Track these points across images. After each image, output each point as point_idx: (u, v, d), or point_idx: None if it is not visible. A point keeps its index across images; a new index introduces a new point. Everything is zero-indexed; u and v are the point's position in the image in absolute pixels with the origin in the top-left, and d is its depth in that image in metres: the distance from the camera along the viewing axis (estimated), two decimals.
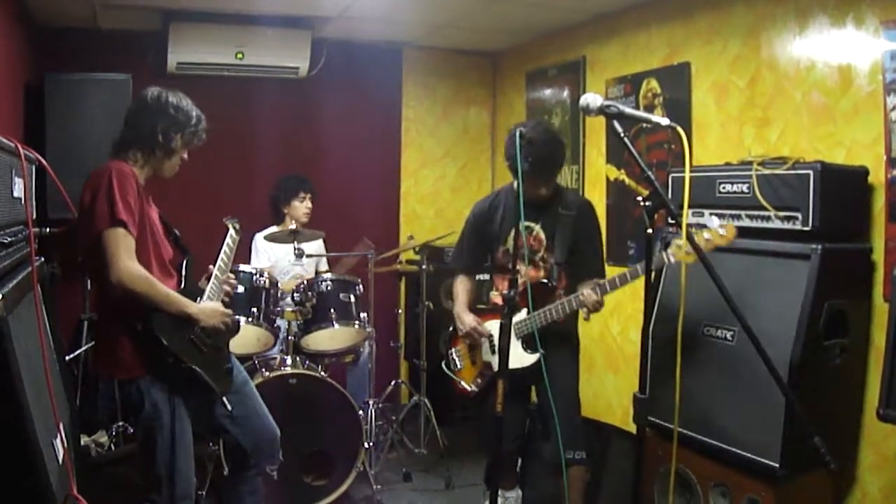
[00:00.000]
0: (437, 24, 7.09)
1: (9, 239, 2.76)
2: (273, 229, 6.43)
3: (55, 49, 6.59)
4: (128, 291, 3.61)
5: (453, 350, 5.07)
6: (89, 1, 6.09)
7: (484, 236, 5.01)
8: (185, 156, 4.11)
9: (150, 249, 3.85)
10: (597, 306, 4.45)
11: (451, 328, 5.12)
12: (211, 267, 4.26)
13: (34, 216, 3.05)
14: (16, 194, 2.90)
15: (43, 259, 3.34)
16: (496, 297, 5.00)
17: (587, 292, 4.43)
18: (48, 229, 3.47)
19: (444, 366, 5.10)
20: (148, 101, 4.03)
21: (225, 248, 4.42)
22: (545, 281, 4.68)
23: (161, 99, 4.02)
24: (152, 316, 3.71)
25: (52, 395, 2.97)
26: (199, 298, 4.04)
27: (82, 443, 5.49)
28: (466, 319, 4.93)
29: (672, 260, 4.02)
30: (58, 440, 3.00)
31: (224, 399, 4.05)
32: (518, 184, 3.94)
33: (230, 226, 4.52)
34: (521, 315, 4.63)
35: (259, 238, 6.58)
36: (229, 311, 4.13)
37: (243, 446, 4.38)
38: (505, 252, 4.87)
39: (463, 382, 4.97)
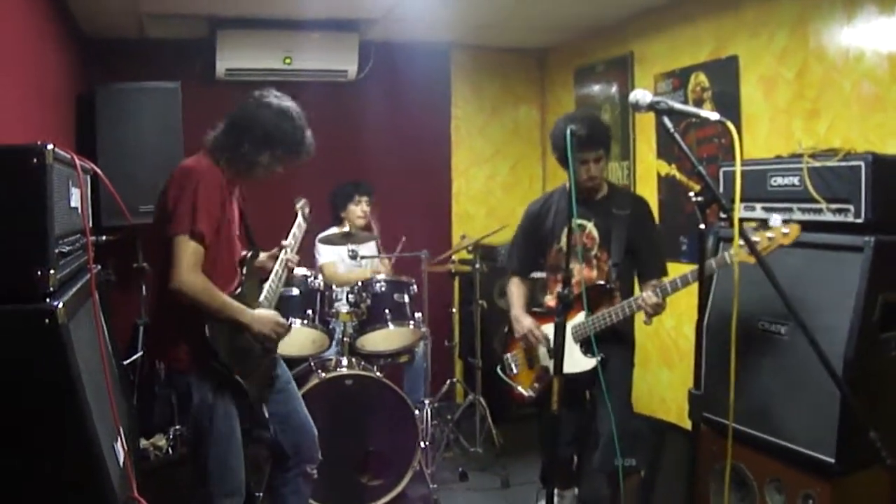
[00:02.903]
0: (482, 23, 7.09)
1: (67, 248, 2.81)
2: (334, 230, 6.47)
3: (105, 60, 6.70)
4: (187, 299, 3.68)
5: (509, 355, 5.04)
6: (136, 12, 6.18)
7: (537, 237, 5.00)
8: (280, 169, 4.11)
9: (221, 253, 3.92)
10: (657, 309, 4.40)
11: (506, 330, 5.11)
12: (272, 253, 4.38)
13: (90, 225, 3.10)
14: (73, 204, 2.94)
15: (100, 266, 3.39)
16: (550, 301, 4.97)
17: (647, 295, 4.39)
18: (103, 237, 3.52)
19: (499, 370, 5.07)
20: (249, 109, 4.04)
21: (294, 230, 4.49)
22: (602, 283, 4.66)
23: (260, 112, 4.01)
24: (206, 320, 3.77)
25: (112, 400, 3.02)
26: (262, 285, 4.11)
27: (141, 446, 5.56)
28: (525, 322, 4.89)
29: (735, 261, 3.98)
30: (118, 443, 3.05)
31: (263, 408, 4.11)
32: (570, 180, 3.93)
33: (299, 211, 4.57)
34: (579, 318, 4.61)
35: (319, 239, 6.63)
36: (283, 321, 4.17)
37: (282, 445, 4.43)
38: (558, 251, 4.86)
39: (520, 387, 4.93)
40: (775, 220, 3.94)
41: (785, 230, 3.86)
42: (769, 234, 3.88)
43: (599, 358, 4.47)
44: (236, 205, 4.12)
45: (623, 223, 4.68)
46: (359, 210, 6.75)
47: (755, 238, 3.85)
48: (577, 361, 4.54)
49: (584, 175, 4.59)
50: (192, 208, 3.68)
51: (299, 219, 4.60)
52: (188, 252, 3.67)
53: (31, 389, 2.50)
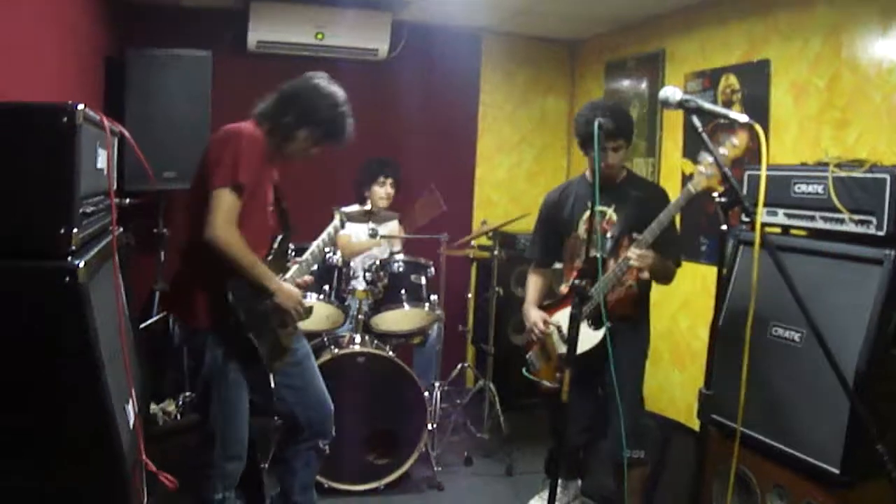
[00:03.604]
0: (515, 9, 7.07)
1: (91, 209, 2.82)
2: (355, 207, 6.48)
3: (137, 25, 6.70)
4: (218, 252, 3.77)
5: (531, 353, 5.05)
6: None
7: (555, 226, 5.01)
8: (314, 151, 4.25)
9: (252, 218, 3.98)
10: (643, 260, 4.43)
11: (524, 327, 5.13)
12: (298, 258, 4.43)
13: (115, 187, 3.12)
14: (99, 165, 2.96)
15: (121, 229, 3.42)
16: (564, 288, 4.99)
17: (630, 251, 4.43)
18: (127, 200, 3.55)
19: (524, 371, 5.09)
20: (298, 85, 4.19)
21: (325, 234, 4.55)
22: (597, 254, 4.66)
23: (308, 89, 4.17)
24: (231, 278, 3.86)
25: (126, 362, 3.04)
26: (280, 276, 4.16)
27: (150, 410, 5.60)
28: (531, 316, 4.95)
29: (699, 189, 4.08)
30: (130, 406, 3.07)
31: (271, 376, 4.15)
32: (595, 171, 3.93)
33: (337, 216, 4.62)
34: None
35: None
36: (305, 304, 4.25)
37: (298, 418, 4.49)
38: (575, 239, 4.87)
39: (545, 381, 4.96)
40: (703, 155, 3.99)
41: (735, 141, 3.97)
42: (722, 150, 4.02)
43: (608, 326, 4.47)
44: (272, 180, 4.22)
45: (640, 204, 4.68)
46: (382, 192, 6.69)
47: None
48: (587, 337, 4.55)
49: (603, 163, 4.58)
50: (234, 161, 3.81)
51: (332, 225, 4.64)
52: (226, 204, 3.78)
53: (48, 346, 2.52)
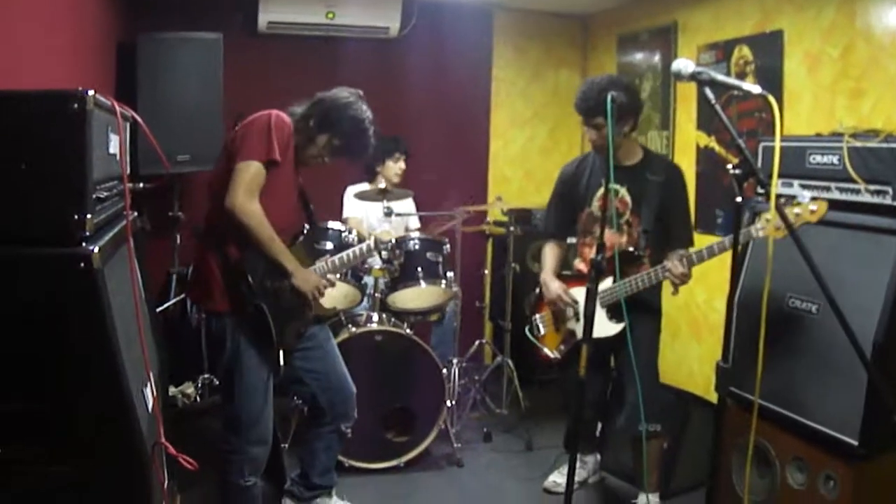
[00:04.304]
0: None
1: (105, 194, 2.83)
2: (364, 186, 6.48)
3: (147, 9, 6.65)
4: (236, 221, 3.80)
5: (537, 316, 5.08)
6: None
7: (571, 199, 5.00)
8: (327, 160, 4.30)
9: (275, 197, 4.01)
10: (683, 279, 4.41)
11: (536, 292, 5.13)
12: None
13: (128, 171, 3.13)
14: (111, 151, 2.97)
15: (136, 213, 3.42)
16: (580, 265, 4.99)
17: (673, 264, 4.39)
18: (140, 184, 3.56)
19: (527, 331, 5.11)
20: (334, 95, 4.27)
21: (354, 250, 4.65)
22: (631, 249, 4.65)
23: (340, 100, 4.24)
24: (248, 251, 3.90)
25: (143, 346, 3.05)
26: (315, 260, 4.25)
27: (170, 393, 5.63)
28: (553, 286, 4.93)
29: (760, 235, 3.98)
30: (148, 389, 3.08)
31: (282, 355, 4.15)
32: (609, 147, 3.91)
33: (370, 240, 4.74)
34: (607, 283, 4.61)
35: (350, 191, 6.65)
36: (323, 290, 4.29)
37: (319, 402, 4.53)
38: (589, 215, 4.86)
39: (546, 349, 4.99)
40: (803, 196, 3.91)
41: (812, 207, 3.83)
42: (797, 210, 3.86)
43: (626, 323, 4.47)
44: (295, 175, 4.26)
45: (656, 189, 4.67)
46: (397, 168, 6.70)
47: None
48: (602, 326, 4.56)
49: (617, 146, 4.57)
50: (261, 137, 3.89)
51: (366, 244, 4.71)
52: (250, 175, 3.82)
53: (64, 332, 2.53)
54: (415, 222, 6.91)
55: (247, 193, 3.79)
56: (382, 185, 5.97)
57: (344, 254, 4.58)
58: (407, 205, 6.72)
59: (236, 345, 3.99)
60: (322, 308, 4.36)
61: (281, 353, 4.12)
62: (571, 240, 5.16)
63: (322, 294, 4.25)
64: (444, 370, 5.82)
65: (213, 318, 4.08)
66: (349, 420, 4.69)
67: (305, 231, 4.33)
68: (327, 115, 4.16)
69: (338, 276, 4.64)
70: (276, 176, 3.95)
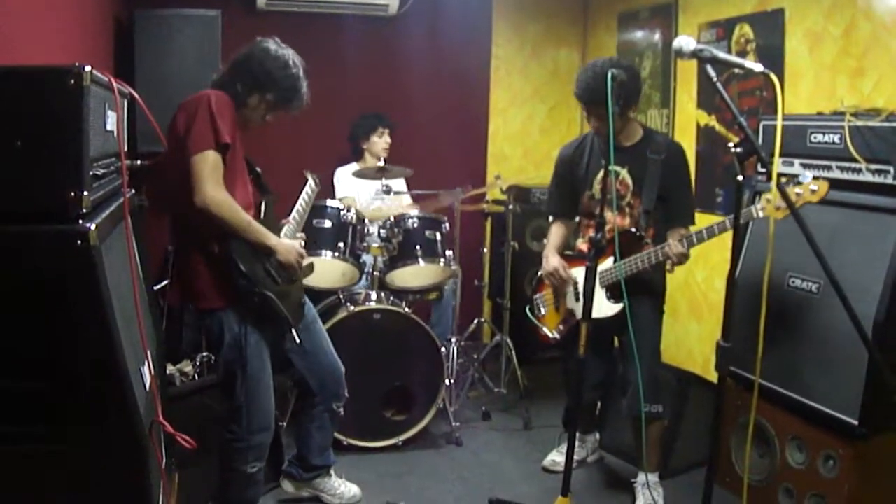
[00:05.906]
0: None
1: (102, 171, 2.81)
2: (354, 166, 6.48)
3: None
4: (211, 216, 3.72)
5: (538, 296, 5.07)
6: None
7: (571, 181, 4.98)
8: (268, 118, 4.16)
9: (236, 180, 3.94)
10: (681, 259, 4.39)
11: (538, 272, 5.11)
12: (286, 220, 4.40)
13: (126, 148, 3.10)
14: (109, 127, 2.94)
15: (133, 191, 3.40)
16: (582, 245, 4.97)
17: (673, 244, 4.38)
18: (138, 161, 3.54)
19: (527, 311, 5.10)
20: (250, 51, 4.10)
21: (303, 197, 4.51)
22: (633, 230, 4.63)
23: (258, 55, 4.06)
24: (230, 241, 3.81)
25: (140, 324, 3.04)
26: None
27: (167, 371, 5.62)
28: (552, 260, 4.90)
29: (761, 215, 3.96)
30: (145, 367, 3.07)
31: (294, 332, 4.12)
32: (610, 129, 3.88)
33: (310, 178, 4.59)
34: (607, 264, 4.60)
35: (340, 171, 6.69)
36: (304, 254, 4.21)
37: (309, 383, 4.52)
38: (590, 198, 4.84)
39: (545, 329, 4.97)
40: (805, 176, 3.89)
41: (813, 187, 3.79)
42: (797, 189, 3.83)
43: (625, 303, 4.46)
44: (241, 147, 4.11)
45: (657, 167, 4.64)
46: (382, 142, 6.75)
47: None
48: (601, 306, 4.54)
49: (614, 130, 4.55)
50: (208, 123, 3.74)
51: (308, 186, 4.61)
52: (209, 165, 3.71)
53: (61, 310, 2.51)
54: (407, 200, 6.90)
55: (213, 185, 3.70)
56: (381, 163, 5.94)
57: (297, 206, 4.51)
58: (402, 184, 6.72)
59: (235, 334, 3.96)
60: (308, 269, 4.30)
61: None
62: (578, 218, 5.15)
63: (304, 255, 4.21)
64: (443, 349, 5.83)
65: (207, 315, 4.02)
66: (340, 399, 4.68)
67: (265, 201, 4.25)
68: (251, 73, 4.00)
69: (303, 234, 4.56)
70: (230, 157, 3.86)
